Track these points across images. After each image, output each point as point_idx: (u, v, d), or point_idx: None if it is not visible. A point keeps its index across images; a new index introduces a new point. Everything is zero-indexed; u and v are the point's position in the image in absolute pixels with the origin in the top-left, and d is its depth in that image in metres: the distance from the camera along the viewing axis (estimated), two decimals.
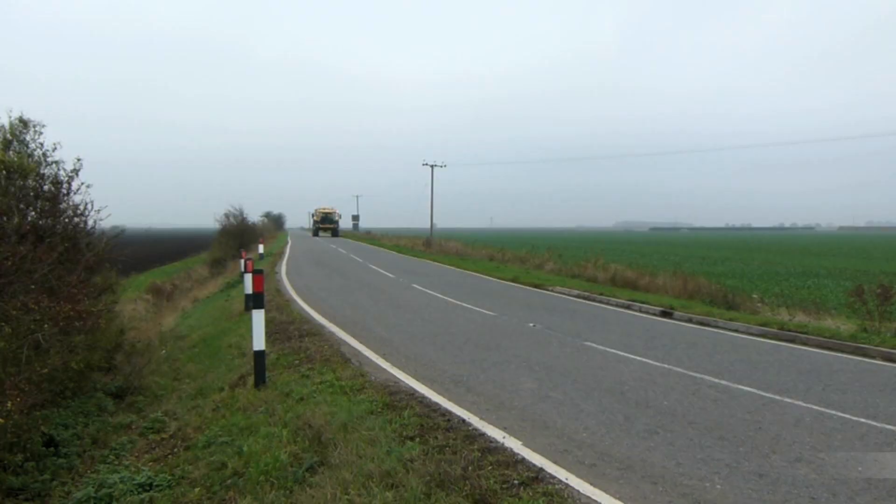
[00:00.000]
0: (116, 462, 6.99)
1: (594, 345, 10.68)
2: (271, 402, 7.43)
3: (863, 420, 6.59)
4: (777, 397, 7.49)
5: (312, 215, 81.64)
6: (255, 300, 8.58)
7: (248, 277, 15.01)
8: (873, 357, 10.09)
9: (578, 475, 4.95)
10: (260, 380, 8.30)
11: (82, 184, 10.62)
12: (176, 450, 7.08)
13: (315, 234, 79.05)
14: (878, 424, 6.45)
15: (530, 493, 4.57)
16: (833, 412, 6.89)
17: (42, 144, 10.87)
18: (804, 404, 7.19)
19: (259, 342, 8.28)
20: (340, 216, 79.69)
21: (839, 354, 10.35)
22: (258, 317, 8.36)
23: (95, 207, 10.86)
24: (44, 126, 11.06)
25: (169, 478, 6.14)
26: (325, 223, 77.40)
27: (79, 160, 10.51)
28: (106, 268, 11.53)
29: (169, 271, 38.82)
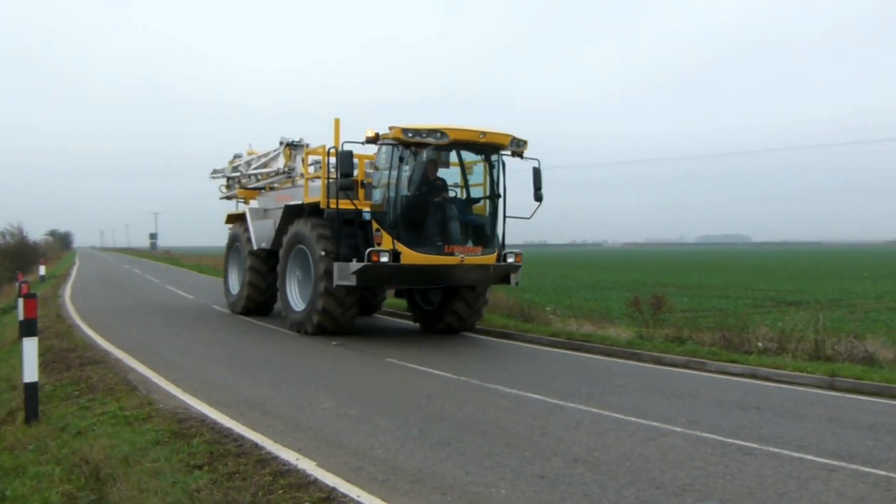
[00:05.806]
0: None
1: (395, 361, 10.81)
2: (44, 439, 6.77)
3: (633, 419, 7.21)
4: (562, 403, 8.00)
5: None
6: (27, 327, 7.87)
7: (21, 302, 13.61)
8: (646, 361, 11.09)
9: (371, 492, 4.96)
10: (32, 415, 7.55)
11: None
12: None
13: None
14: (646, 422, 7.09)
15: None
16: (609, 413, 7.48)
17: None
18: (585, 408, 7.74)
19: (31, 373, 7.53)
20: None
21: (618, 360, 11.27)
22: (30, 345, 7.63)
23: None
24: None
25: None
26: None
27: None
28: None
29: None
